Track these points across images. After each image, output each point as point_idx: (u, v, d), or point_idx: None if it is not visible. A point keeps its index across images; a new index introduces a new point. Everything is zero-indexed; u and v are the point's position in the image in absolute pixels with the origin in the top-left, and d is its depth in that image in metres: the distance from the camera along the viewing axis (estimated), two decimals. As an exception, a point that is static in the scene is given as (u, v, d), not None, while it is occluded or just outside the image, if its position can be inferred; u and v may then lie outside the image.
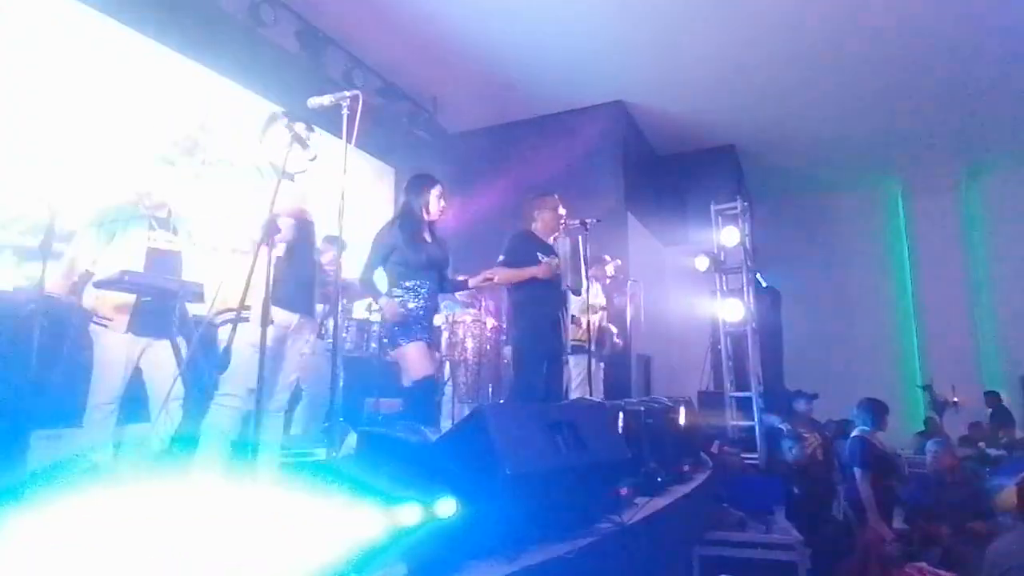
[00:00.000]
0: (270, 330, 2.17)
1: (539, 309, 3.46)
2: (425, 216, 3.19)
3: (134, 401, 2.99)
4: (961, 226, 9.47)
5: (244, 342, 2.23)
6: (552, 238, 3.67)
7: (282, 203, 2.35)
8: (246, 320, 2.26)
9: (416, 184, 3.24)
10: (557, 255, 3.64)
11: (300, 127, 2.48)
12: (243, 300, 2.15)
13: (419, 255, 3.08)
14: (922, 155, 9.01)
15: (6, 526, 1.20)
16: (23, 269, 3.72)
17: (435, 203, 3.20)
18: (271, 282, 2.18)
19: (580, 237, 3.69)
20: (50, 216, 2.77)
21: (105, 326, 2.89)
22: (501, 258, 3.48)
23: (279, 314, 2.35)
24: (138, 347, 2.95)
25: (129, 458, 2.89)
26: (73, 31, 4.29)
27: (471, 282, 3.41)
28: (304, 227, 2.54)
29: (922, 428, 7.73)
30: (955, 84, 7.20)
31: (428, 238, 3.20)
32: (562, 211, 3.67)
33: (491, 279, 3.40)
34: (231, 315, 2.28)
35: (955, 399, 8.30)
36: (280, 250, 2.33)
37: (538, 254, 3.51)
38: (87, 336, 2.93)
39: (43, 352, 2.72)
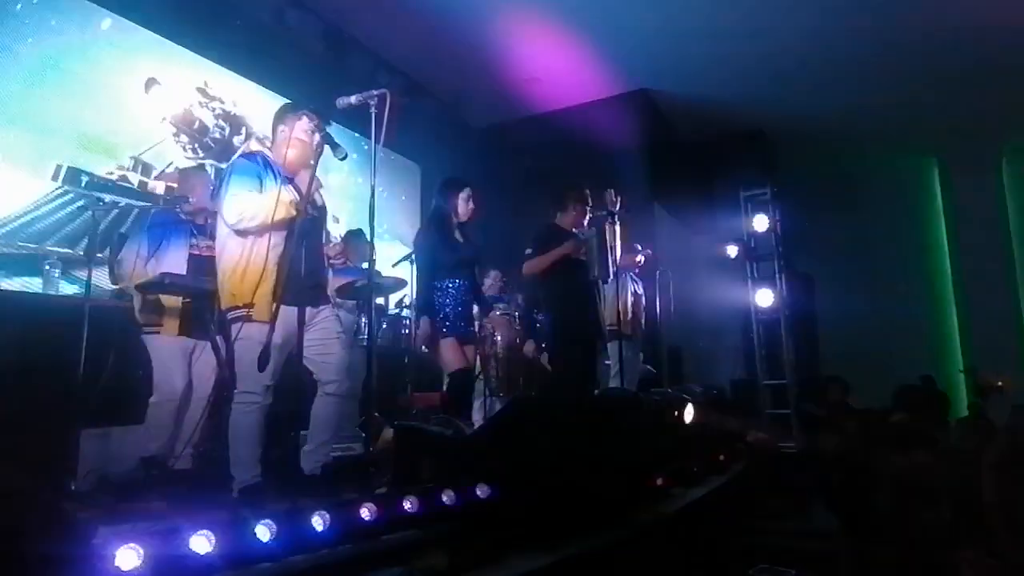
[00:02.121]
0: (276, 326, 2.18)
1: (570, 299, 3.48)
2: (454, 218, 3.26)
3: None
4: (1002, 205, 9.14)
5: (249, 339, 2.24)
6: (576, 230, 3.68)
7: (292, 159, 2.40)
8: (241, 318, 2.28)
9: (444, 188, 3.34)
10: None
11: (309, 121, 2.48)
12: (253, 295, 2.20)
13: (452, 256, 3.15)
14: (959, 133, 8.69)
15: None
16: (70, 276, 3.85)
17: (463, 206, 3.27)
18: (274, 277, 2.23)
19: (606, 226, 3.69)
20: (94, 224, 2.88)
21: (157, 332, 3.00)
22: (529, 251, 3.52)
23: (281, 310, 2.28)
24: (190, 347, 3.07)
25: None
26: (104, 39, 4.41)
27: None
28: (313, 222, 2.53)
29: (965, 414, 7.52)
30: (992, 58, 6.93)
31: (459, 238, 3.27)
32: (587, 203, 3.68)
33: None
34: (238, 312, 2.31)
35: (999, 383, 8.04)
36: (282, 242, 2.35)
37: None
38: (137, 340, 3.04)
39: (91, 354, 2.82)
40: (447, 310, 3.12)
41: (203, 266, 3.09)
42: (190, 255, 3.10)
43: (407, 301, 4.57)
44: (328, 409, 2.45)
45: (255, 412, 2.31)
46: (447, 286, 3.15)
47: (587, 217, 3.72)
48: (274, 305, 2.22)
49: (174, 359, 3.01)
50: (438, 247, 3.14)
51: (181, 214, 3.16)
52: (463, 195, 3.27)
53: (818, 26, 6.34)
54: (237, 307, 2.32)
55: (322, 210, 2.65)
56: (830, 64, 7.02)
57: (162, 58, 4.74)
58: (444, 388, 3.20)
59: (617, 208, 4.36)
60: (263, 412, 2.33)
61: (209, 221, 3.23)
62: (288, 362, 2.37)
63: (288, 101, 2.86)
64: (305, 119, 2.49)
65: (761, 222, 5.97)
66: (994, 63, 7.01)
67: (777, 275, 5.85)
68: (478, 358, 4.42)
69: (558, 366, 3.51)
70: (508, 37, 6.40)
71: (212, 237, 3.15)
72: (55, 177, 3.96)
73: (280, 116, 2.58)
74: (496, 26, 6.23)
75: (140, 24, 4.60)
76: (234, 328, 2.31)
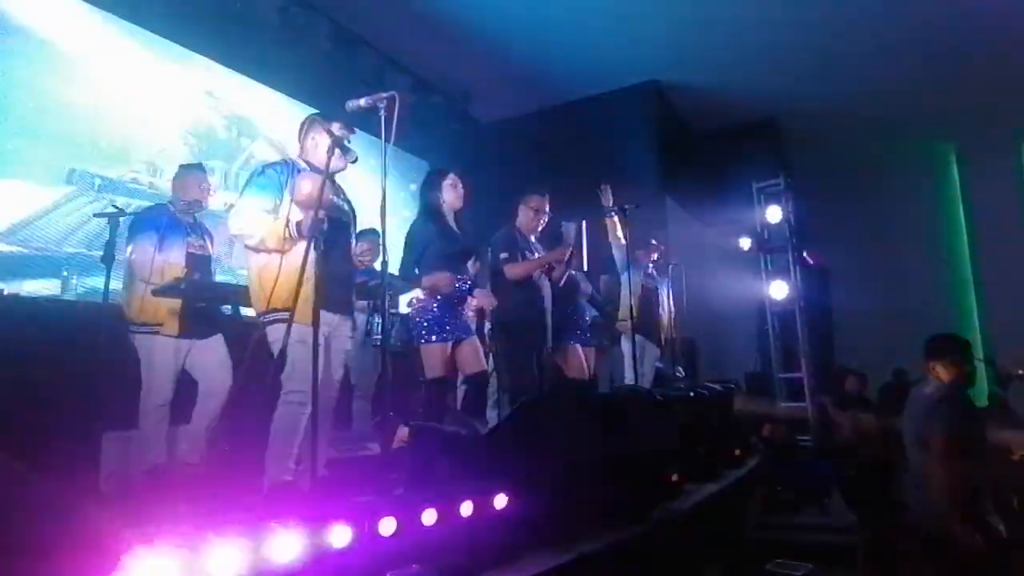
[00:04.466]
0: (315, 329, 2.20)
1: (522, 306, 3.42)
2: (443, 208, 3.21)
3: (185, 402, 3.13)
4: (1020, 192, 9.00)
5: (294, 341, 2.26)
6: (533, 236, 3.64)
7: (307, 196, 2.40)
8: (282, 320, 2.28)
9: (428, 180, 3.30)
10: (541, 250, 3.61)
11: (339, 129, 2.48)
12: (296, 300, 2.21)
13: (453, 246, 3.11)
14: (977, 118, 8.56)
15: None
16: (87, 279, 3.90)
17: (449, 192, 3.21)
18: (315, 283, 2.23)
19: (583, 223, 3.62)
20: (110, 229, 2.91)
21: (156, 332, 3.00)
22: (504, 255, 3.44)
23: (323, 315, 2.33)
24: (183, 349, 3.06)
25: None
26: (112, 44, 4.44)
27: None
28: (340, 226, 2.58)
29: (986, 403, 7.43)
30: (1009, 41, 6.80)
31: (456, 229, 3.23)
32: (545, 209, 3.63)
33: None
34: (279, 315, 2.33)
35: (1020, 372, 7.93)
36: (304, 250, 2.35)
37: (524, 252, 3.51)
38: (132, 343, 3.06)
39: (108, 358, 2.85)
40: (440, 307, 3.05)
41: (197, 265, 3.12)
42: (188, 253, 3.10)
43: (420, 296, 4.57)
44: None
45: (298, 411, 2.35)
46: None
47: (545, 219, 3.64)
48: (309, 308, 2.23)
49: (167, 361, 3.00)
50: (435, 239, 3.09)
51: (176, 212, 3.17)
52: (447, 182, 3.21)
53: (830, 12, 6.25)
54: (270, 311, 2.36)
55: (349, 215, 2.67)
56: (843, 50, 6.93)
57: (170, 60, 4.78)
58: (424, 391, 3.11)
59: (612, 203, 4.33)
60: (306, 412, 2.36)
61: (199, 221, 3.27)
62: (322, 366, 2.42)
63: (309, 110, 2.87)
64: (324, 130, 2.48)
65: (774, 213, 5.91)
66: (1010, 47, 6.88)
67: (791, 267, 5.80)
68: (490, 355, 4.43)
69: (512, 372, 3.44)
70: (515, 30, 6.38)
71: (205, 236, 3.21)
72: (68, 181, 4.01)
73: (304, 128, 2.60)
74: (503, 20, 6.20)
75: (147, 28, 4.63)
76: (270, 330, 2.35)
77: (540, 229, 3.66)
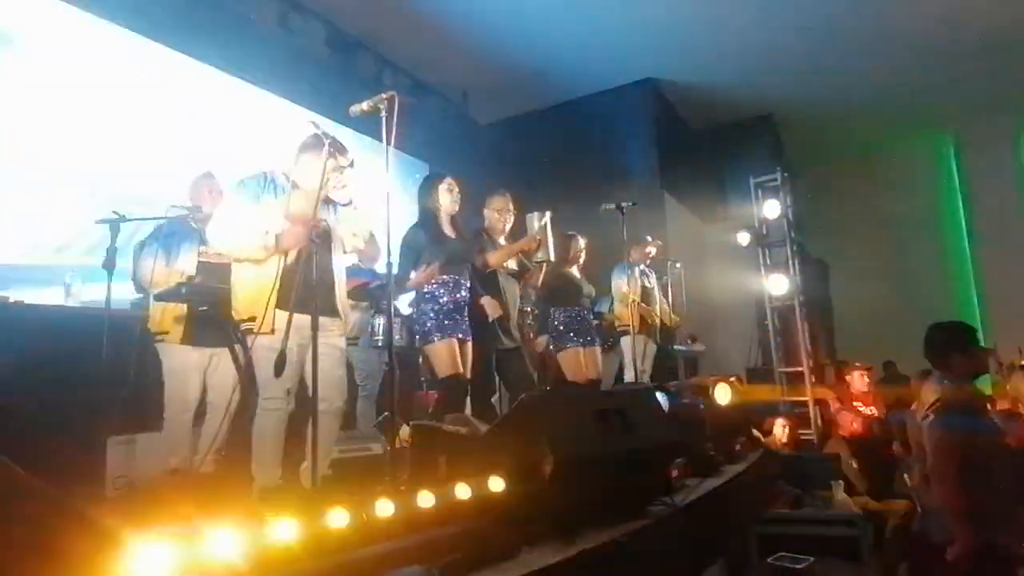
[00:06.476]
0: (290, 335, 2.19)
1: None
2: (439, 213, 3.25)
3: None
4: (1019, 182, 8.99)
5: (263, 348, 2.30)
6: (501, 237, 3.65)
7: (295, 212, 2.43)
8: (250, 330, 2.34)
9: (424, 186, 3.35)
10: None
11: (340, 158, 2.49)
12: (267, 309, 2.25)
13: (443, 251, 3.15)
14: (975, 106, 8.54)
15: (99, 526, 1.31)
16: (89, 287, 3.93)
17: (444, 197, 3.27)
18: (284, 289, 2.28)
19: (547, 213, 3.63)
20: (112, 235, 2.94)
21: (163, 340, 3.06)
22: (479, 248, 3.49)
23: (298, 319, 2.28)
24: (204, 358, 3.11)
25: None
26: (111, 51, 4.46)
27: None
28: (323, 237, 2.57)
29: (988, 393, 7.45)
30: (1006, 27, 6.79)
31: (451, 233, 3.27)
32: (509, 208, 3.64)
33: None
34: (249, 324, 2.37)
35: (1023, 362, 7.93)
36: (292, 258, 2.39)
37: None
38: (152, 350, 3.11)
39: (112, 365, 2.88)
40: (448, 306, 3.09)
41: (213, 272, 3.14)
42: (200, 262, 3.15)
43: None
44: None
45: (275, 417, 2.37)
46: (446, 282, 3.13)
47: (510, 218, 3.67)
48: (281, 315, 2.28)
49: (187, 368, 3.05)
50: (430, 245, 3.14)
51: (192, 222, 3.23)
52: (443, 186, 3.27)
53: (826, 5, 6.25)
54: (245, 320, 2.40)
55: (332, 227, 2.68)
56: (839, 43, 6.92)
57: (169, 68, 4.80)
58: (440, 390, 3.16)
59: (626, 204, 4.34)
60: (283, 417, 2.39)
61: None
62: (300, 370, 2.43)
63: (309, 114, 2.89)
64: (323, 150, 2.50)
65: (772, 208, 5.93)
66: (1008, 37, 6.87)
67: (790, 261, 5.82)
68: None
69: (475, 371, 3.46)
70: (512, 31, 6.40)
71: None
72: (78, 191, 4.05)
73: (303, 146, 2.59)
74: (500, 20, 6.22)
75: (147, 36, 4.65)
76: (249, 338, 2.37)
77: (507, 229, 3.69)
